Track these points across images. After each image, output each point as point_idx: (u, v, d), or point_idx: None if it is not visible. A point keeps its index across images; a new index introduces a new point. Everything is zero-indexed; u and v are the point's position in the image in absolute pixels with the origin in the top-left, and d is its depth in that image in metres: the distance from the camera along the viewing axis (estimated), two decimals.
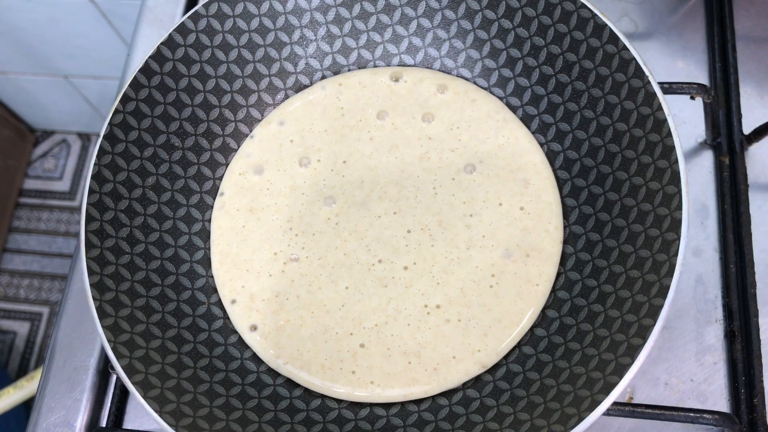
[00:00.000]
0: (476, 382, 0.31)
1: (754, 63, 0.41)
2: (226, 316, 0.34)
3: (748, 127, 0.38)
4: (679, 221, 0.28)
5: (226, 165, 0.37)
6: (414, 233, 0.34)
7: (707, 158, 0.39)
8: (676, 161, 0.29)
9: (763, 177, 0.38)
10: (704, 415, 0.31)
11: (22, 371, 1.08)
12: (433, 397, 0.31)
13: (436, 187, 0.35)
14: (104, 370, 0.38)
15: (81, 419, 0.36)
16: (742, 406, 0.33)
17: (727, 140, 0.38)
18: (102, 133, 0.33)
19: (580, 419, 0.26)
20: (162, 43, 0.35)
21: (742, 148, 0.38)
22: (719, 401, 0.34)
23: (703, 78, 0.41)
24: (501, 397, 0.30)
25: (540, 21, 0.34)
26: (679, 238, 0.28)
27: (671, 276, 0.27)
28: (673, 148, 0.29)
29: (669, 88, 0.35)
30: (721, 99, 0.39)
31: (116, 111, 0.34)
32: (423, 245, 0.34)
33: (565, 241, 0.33)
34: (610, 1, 0.43)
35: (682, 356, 0.35)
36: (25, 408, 0.89)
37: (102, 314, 0.30)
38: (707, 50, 0.42)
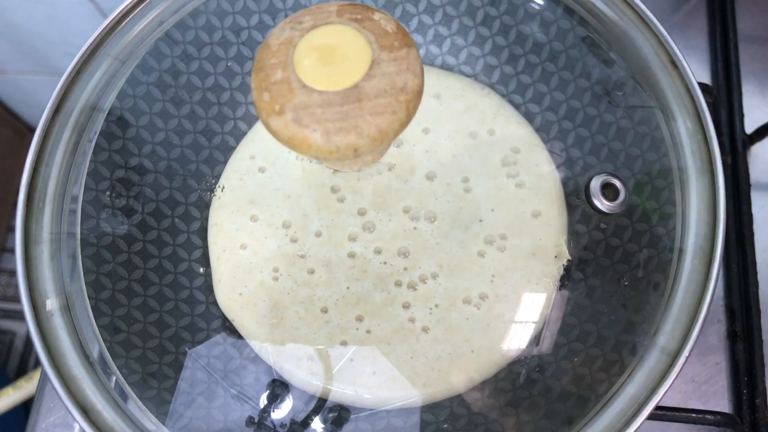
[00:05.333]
0: None
1: (756, 62, 0.41)
2: (224, 315, 0.34)
3: (750, 127, 0.38)
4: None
5: (225, 163, 0.36)
6: (417, 235, 0.34)
7: None
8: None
9: (766, 176, 0.38)
10: (706, 416, 0.31)
11: (21, 371, 1.08)
12: None
13: (438, 197, 0.34)
14: None
15: None
16: (744, 406, 0.33)
17: (729, 140, 0.38)
18: (97, 131, 0.33)
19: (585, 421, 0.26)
20: (160, 40, 0.34)
21: (744, 147, 0.38)
22: (721, 402, 0.34)
23: (705, 77, 0.41)
24: (503, 398, 0.30)
25: (542, 17, 0.34)
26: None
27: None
28: None
29: None
30: (723, 98, 0.39)
31: (113, 109, 0.33)
32: (426, 247, 0.33)
33: (568, 241, 0.33)
34: None
35: None
36: (25, 408, 0.89)
37: (98, 313, 0.30)
38: (709, 49, 0.41)
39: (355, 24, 0.22)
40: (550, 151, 0.34)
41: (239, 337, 0.33)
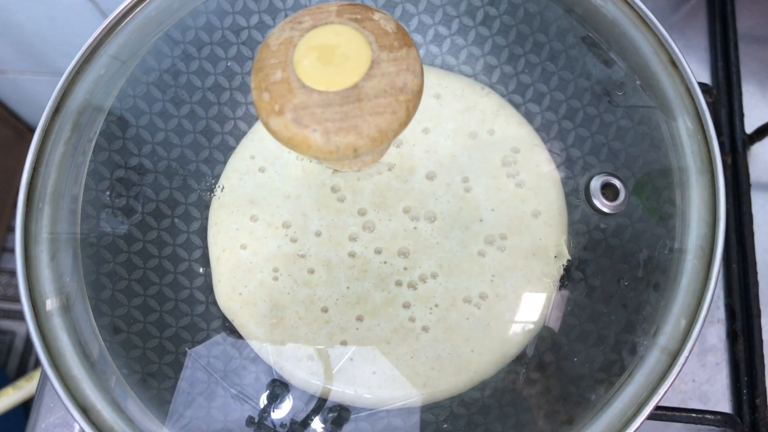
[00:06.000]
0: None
1: (756, 62, 0.41)
2: (224, 315, 0.34)
3: (750, 127, 0.38)
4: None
5: (225, 163, 0.36)
6: (417, 235, 0.34)
7: None
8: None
9: (766, 176, 0.38)
10: (706, 416, 0.31)
11: (21, 371, 1.08)
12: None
13: (438, 197, 0.34)
14: None
15: None
16: (745, 406, 0.33)
17: (729, 139, 0.38)
18: (97, 131, 0.33)
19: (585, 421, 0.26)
20: (160, 40, 0.34)
21: (745, 147, 0.38)
22: (721, 402, 0.34)
23: (705, 77, 0.41)
24: (503, 398, 0.30)
25: (542, 17, 0.34)
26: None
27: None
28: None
29: None
30: (723, 98, 0.39)
31: (113, 109, 0.33)
32: (427, 247, 0.33)
33: (568, 241, 0.33)
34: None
35: None
36: (24, 408, 0.89)
37: (98, 313, 0.30)
38: (709, 49, 0.41)
39: (354, 24, 0.22)
40: (550, 151, 0.34)
41: (239, 337, 0.33)
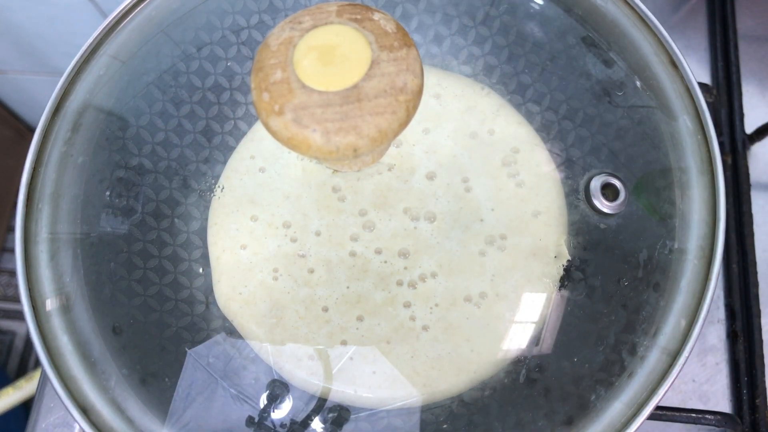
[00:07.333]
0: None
1: (756, 62, 0.41)
2: (223, 315, 0.34)
3: (750, 127, 0.38)
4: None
5: (225, 163, 0.36)
6: (417, 235, 0.34)
7: None
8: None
9: (766, 176, 0.38)
10: (706, 416, 0.31)
11: (21, 371, 1.08)
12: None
13: (438, 197, 0.34)
14: None
15: None
16: (745, 406, 0.33)
17: (729, 139, 0.38)
18: (97, 131, 0.33)
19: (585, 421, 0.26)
20: (160, 40, 0.34)
21: (744, 147, 0.38)
22: (721, 402, 0.34)
23: (705, 77, 0.41)
24: (503, 398, 0.30)
25: (542, 17, 0.34)
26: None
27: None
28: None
29: None
30: (723, 98, 0.39)
31: (113, 109, 0.33)
32: (427, 247, 0.33)
33: (568, 241, 0.33)
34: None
35: None
36: (24, 408, 0.89)
37: (98, 313, 0.30)
38: (709, 49, 0.41)
39: (354, 24, 0.22)
40: (550, 151, 0.34)
41: (239, 337, 0.33)
